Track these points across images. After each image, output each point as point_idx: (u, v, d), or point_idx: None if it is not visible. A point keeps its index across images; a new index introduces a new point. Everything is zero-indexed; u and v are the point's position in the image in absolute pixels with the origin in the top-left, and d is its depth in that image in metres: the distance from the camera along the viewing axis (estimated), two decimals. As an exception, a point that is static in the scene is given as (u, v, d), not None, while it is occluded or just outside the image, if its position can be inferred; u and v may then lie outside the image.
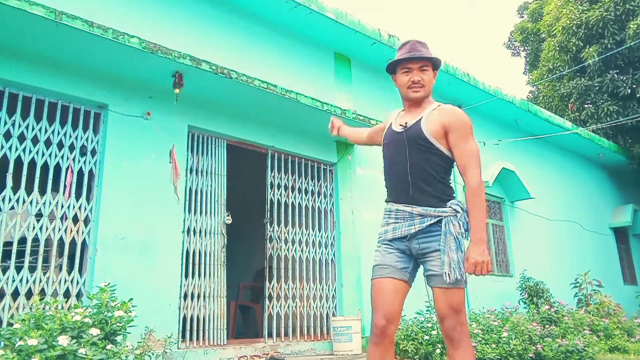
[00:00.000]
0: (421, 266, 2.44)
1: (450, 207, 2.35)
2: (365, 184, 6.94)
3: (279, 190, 6.18)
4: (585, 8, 11.92)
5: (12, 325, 3.16)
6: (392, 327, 2.33)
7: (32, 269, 4.24)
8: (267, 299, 5.83)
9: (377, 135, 2.77)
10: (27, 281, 4.18)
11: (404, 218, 2.39)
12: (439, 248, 2.30)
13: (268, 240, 5.97)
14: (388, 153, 2.53)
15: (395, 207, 2.44)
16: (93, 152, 4.79)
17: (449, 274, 2.26)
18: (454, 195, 2.44)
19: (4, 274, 4.10)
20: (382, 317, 2.32)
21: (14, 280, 4.12)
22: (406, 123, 2.45)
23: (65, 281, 4.38)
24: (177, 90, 4.90)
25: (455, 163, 2.43)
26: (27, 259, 4.20)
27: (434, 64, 2.53)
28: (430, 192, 2.36)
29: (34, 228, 4.31)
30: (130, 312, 3.42)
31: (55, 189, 4.52)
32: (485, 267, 2.25)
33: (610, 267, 11.31)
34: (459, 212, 2.34)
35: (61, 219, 4.47)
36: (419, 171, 2.38)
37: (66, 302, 4.32)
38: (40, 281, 4.25)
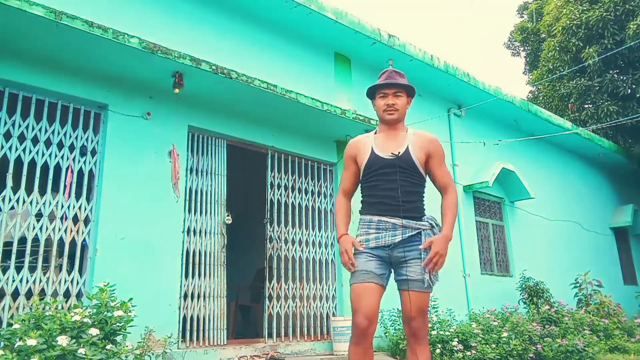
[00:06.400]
0: (393, 272, 2.72)
1: (427, 222, 2.69)
2: (365, 184, 6.93)
3: (279, 190, 6.18)
4: (585, 8, 11.92)
5: (12, 325, 3.16)
6: (372, 327, 2.56)
7: (32, 269, 4.24)
8: (267, 299, 5.83)
9: (355, 174, 2.91)
10: (27, 281, 4.18)
11: (386, 229, 2.67)
12: (419, 256, 2.61)
13: (268, 240, 5.97)
14: (378, 176, 2.75)
15: (377, 218, 2.70)
16: (93, 152, 4.79)
17: (428, 279, 2.57)
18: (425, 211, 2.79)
19: (4, 274, 4.10)
20: (364, 318, 2.54)
21: (14, 280, 4.12)
22: (399, 152, 2.73)
23: (65, 281, 4.38)
24: (177, 90, 4.90)
25: (433, 180, 2.83)
26: (27, 259, 4.20)
27: (408, 91, 2.86)
28: (414, 209, 2.70)
29: (34, 228, 4.31)
30: (130, 312, 3.42)
31: (55, 189, 4.51)
32: (442, 261, 2.57)
33: (610, 267, 11.31)
34: (434, 227, 2.69)
35: (61, 219, 4.47)
36: (408, 192, 2.71)
37: (66, 302, 4.32)
38: (40, 281, 4.25)
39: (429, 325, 5.81)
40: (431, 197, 2.96)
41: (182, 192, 5.18)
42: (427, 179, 2.87)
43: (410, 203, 2.69)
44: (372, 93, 2.91)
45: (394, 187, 2.69)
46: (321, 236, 6.47)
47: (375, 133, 2.90)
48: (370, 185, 2.78)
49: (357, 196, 2.93)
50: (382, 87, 2.83)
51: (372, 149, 2.80)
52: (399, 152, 2.73)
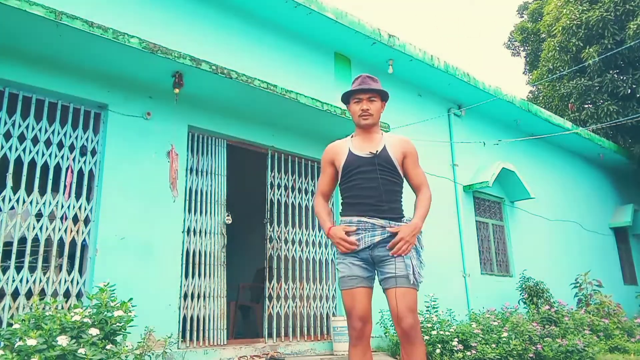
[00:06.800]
0: (377, 273, 2.72)
1: (405, 222, 2.70)
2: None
3: (279, 190, 6.18)
4: (585, 8, 11.92)
5: (12, 325, 3.16)
6: (368, 327, 2.62)
7: (32, 269, 4.24)
8: (267, 299, 5.83)
9: (332, 177, 2.94)
10: (27, 281, 4.17)
11: (366, 229, 2.68)
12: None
13: (268, 240, 5.97)
14: (357, 175, 2.77)
15: (356, 218, 2.70)
16: (93, 152, 4.79)
17: (412, 275, 2.57)
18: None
19: (4, 274, 4.10)
20: (359, 320, 2.60)
21: (14, 280, 4.12)
22: (377, 151, 2.77)
23: (65, 281, 4.38)
24: (177, 90, 4.90)
25: (408, 180, 2.87)
26: (27, 259, 4.20)
27: (382, 96, 2.89)
28: (394, 209, 2.72)
29: (34, 228, 4.31)
30: (130, 312, 3.42)
31: (55, 189, 4.51)
32: (406, 248, 2.59)
33: (610, 267, 11.31)
34: None
35: (61, 219, 4.47)
36: (388, 190, 2.73)
37: (66, 302, 4.32)
38: (40, 281, 4.25)
39: (430, 325, 5.84)
40: (409, 199, 2.96)
41: (182, 192, 5.18)
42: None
43: (390, 203, 2.71)
44: (346, 98, 2.94)
45: (374, 185, 2.70)
46: (321, 236, 6.47)
47: (352, 137, 2.94)
48: (350, 186, 2.78)
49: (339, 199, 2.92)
50: (356, 93, 2.86)
51: (349, 149, 2.84)
52: (377, 151, 2.77)
